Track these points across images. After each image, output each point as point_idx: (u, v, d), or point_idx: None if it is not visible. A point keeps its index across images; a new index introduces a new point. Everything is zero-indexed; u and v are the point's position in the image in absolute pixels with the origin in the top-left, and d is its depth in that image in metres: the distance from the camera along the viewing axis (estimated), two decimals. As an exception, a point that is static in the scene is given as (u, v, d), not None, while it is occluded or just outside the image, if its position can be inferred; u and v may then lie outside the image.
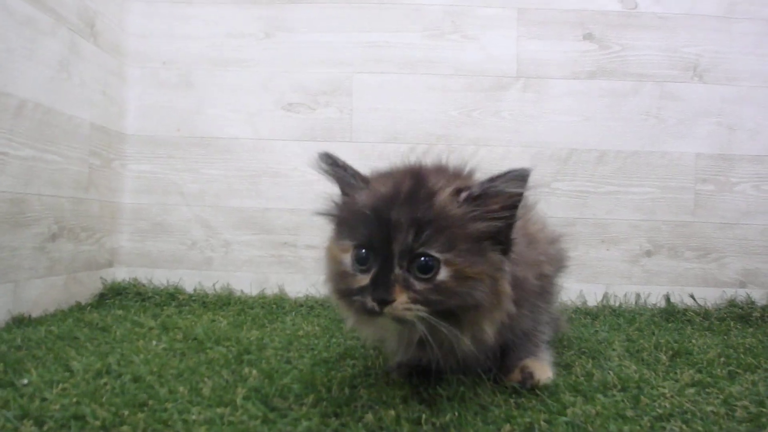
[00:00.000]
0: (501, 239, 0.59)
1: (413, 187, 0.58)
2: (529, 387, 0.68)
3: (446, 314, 0.56)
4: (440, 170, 0.64)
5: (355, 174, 0.64)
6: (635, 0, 1.42)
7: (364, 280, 0.58)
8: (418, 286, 0.55)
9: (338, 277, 0.61)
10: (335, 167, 0.65)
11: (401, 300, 0.55)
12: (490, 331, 0.59)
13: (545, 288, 0.71)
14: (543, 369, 0.71)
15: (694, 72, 1.42)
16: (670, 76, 1.42)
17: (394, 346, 0.67)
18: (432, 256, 0.55)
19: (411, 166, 0.65)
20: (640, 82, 1.42)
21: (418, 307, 0.55)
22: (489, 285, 0.57)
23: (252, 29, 1.44)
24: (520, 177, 0.57)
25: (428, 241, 0.55)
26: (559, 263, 0.77)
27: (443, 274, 0.55)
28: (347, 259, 0.60)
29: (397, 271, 0.56)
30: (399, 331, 0.61)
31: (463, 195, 0.57)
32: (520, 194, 0.58)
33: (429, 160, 0.70)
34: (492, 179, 0.58)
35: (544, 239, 0.72)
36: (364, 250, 0.58)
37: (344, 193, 0.66)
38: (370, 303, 0.55)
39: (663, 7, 1.42)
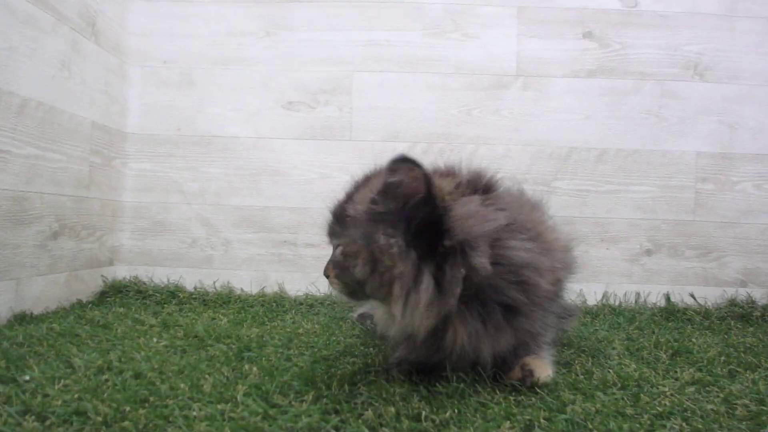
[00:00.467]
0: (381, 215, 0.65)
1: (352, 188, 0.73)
2: (529, 385, 0.70)
3: (353, 290, 0.68)
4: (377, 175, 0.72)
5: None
6: (636, -2, 1.42)
7: None
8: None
9: None
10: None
11: (332, 275, 0.71)
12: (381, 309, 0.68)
13: (557, 293, 0.74)
14: (543, 367, 0.72)
15: (695, 70, 1.42)
16: (670, 74, 1.42)
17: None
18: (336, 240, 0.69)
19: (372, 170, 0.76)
20: (640, 80, 1.42)
21: (337, 282, 0.69)
22: (363, 260, 0.64)
23: (252, 28, 1.44)
24: (403, 161, 0.64)
25: (332, 227, 0.73)
26: (570, 270, 0.80)
27: (337, 252, 0.70)
28: None
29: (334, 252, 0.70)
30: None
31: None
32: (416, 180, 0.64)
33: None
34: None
35: (559, 247, 0.74)
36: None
37: None
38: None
39: (664, 5, 1.42)
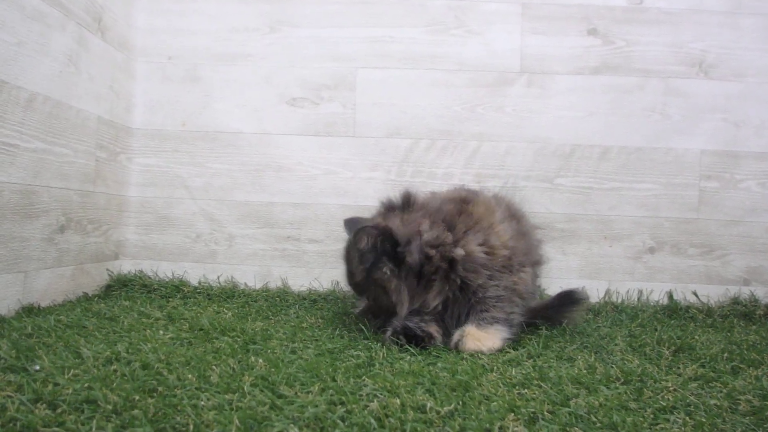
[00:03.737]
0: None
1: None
2: (456, 348, 0.87)
3: None
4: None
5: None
6: (641, -4, 1.42)
7: None
8: None
9: None
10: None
11: None
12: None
13: (497, 266, 0.91)
14: (478, 337, 0.85)
15: (699, 68, 1.42)
16: (675, 72, 1.42)
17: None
18: None
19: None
20: (644, 77, 1.42)
21: None
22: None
23: (256, 24, 1.44)
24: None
25: None
26: (489, 243, 0.96)
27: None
28: None
29: None
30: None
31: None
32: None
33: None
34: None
35: (481, 227, 0.95)
36: None
37: None
38: None
39: (668, 2, 1.41)
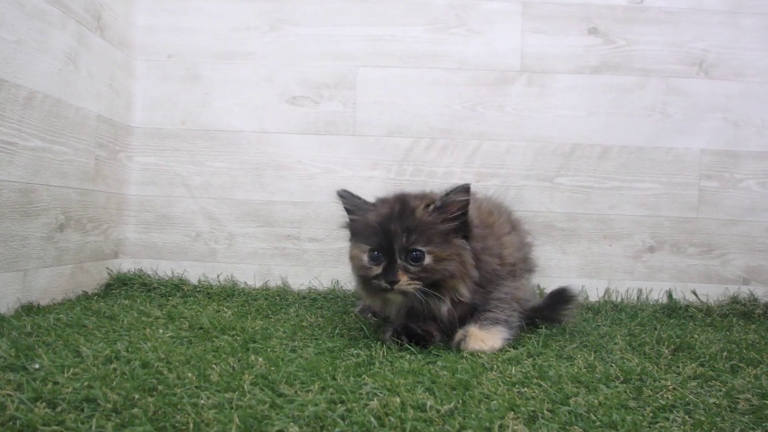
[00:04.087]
0: (461, 229, 0.88)
1: (401, 207, 0.89)
2: (457, 348, 0.86)
3: (432, 285, 0.86)
4: (418, 195, 0.93)
5: (365, 201, 0.93)
6: (641, -5, 1.42)
7: (377, 270, 0.87)
8: (413, 269, 0.86)
9: (360, 269, 0.90)
10: (352, 198, 0.94)
11: (403, 280, 0.85)
12: (464, 291, 0.88)
13: (504, 274, 0.94)
14: (481, 337, 0.86)
15: (700, 67, 1.41)
16: (675, 71, 1.42)
17: (393, 312, 0.94)
18: (419, 250, 0.86)
19: (399, 193, 0.95)
20: (645, 77, 1.42)
21: (415, 283, 0.85)
22: (457, 260, 0.86)
23: (257, 23, 1.44)
24: (465, 189, 0.87)
25: (415, 240, 0.85)
26: (524, 262, 1.03)
27: (427, 259, 0.86)
28: (365, 257, 0.89)
29: (399, 262, 0.86)
30: (401, 300, 0.89)
31: (431, 207, 0.87)
32: (467, 200, 0.88)
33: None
34: (446, 194, 0.87)
35: (509, 243, 0.99)
36: (375, 252, 0.88)
37: (354, 214, 0.94)
38: (384, 284, 0.86)
39: (669, 1, 1.41)
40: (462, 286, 0.87)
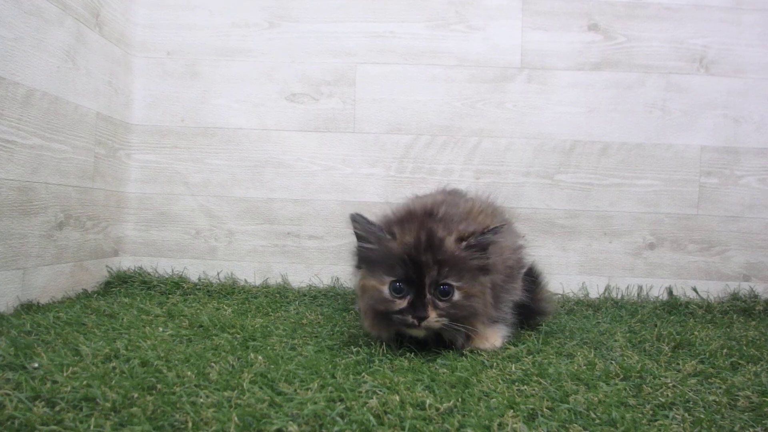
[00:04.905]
0: (486, 267, 0.85)
1: (428, 236, 0.81)
2: (463, 348, 0.84)
3: (457, 320, 0.81)
4: (438, 221, 0.85)
5: (380, 228, 0.84)
6: (642, -9, 1.41)
7: (401, 304, 0.80)
8: (441, 305, 0.80)
9: (379, 302, 0.82)
10: (367, 224, 0.84)
11: (432, 316, 0.79)
12: (481, 328, 0.85)
13: (507, 279, 0.92)
14: (485, 337, 0.86)
15: (700, 64, 1.41)
16: (676, 67, 1.41)
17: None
18: (450, 284, 0.80)
19: (421, 220, 0.85)
20: (645, 73, 1.41)
21: (443, 319, 0.80)
22: (482, 299, 0.83)
23: (256, 19, 1.43)
24: (498, 231, 0.84)
25: (447, 274, 0.80)
26: (519, 264, 1.02)
27: (457, 295, 0.81)
28: (385, 289, 0.81)
29: (428, 296, 0.79)
30: (422, 335, 0.83)
31: (464, 244, 0.82)
32: (496, 240, 0.85)
33: (430, 199, 0.95)
34: (483, 233, 0.82)
35: (506, 247, 0.98)
36: (399, 283, 0.81)
37: (367, 242, 0.85)
38: (411, 319, 0.79)
39: (670, -3, 1.41)
40: (480, 325, 0.84)
